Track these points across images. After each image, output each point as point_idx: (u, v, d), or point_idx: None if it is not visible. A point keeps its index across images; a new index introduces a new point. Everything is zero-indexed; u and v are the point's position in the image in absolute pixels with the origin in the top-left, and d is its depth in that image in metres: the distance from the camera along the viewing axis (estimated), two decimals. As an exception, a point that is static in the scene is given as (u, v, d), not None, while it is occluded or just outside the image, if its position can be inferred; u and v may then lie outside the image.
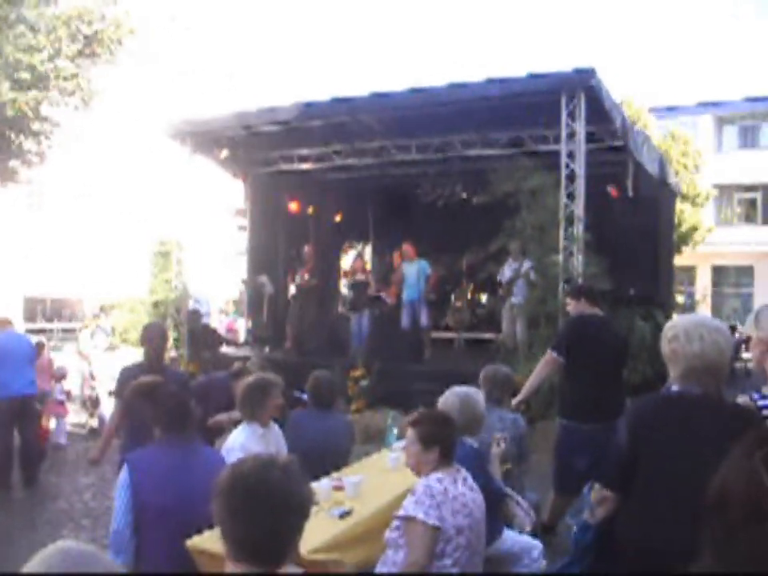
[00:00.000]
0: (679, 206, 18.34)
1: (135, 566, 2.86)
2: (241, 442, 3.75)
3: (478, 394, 3.70)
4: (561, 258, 8.23)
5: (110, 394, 8.96)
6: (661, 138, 20.61)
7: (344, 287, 13.79)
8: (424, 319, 10.34)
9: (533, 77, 8.30)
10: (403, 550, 2.81)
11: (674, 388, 2.40)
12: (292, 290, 11.97)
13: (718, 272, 26.35)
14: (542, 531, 4.51)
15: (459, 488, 2.88)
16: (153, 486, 2.91)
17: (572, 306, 5.14)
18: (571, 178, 8.30)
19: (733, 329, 13.48)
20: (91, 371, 9.90)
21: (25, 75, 11.30)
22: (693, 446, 2.20)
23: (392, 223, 13.31)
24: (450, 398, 3.57)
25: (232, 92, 24.95)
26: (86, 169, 21.50)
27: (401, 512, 2.82)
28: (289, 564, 1.63)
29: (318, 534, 3.06)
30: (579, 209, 8.24)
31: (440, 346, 11.49)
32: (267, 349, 11.42)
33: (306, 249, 11.69)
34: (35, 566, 1.20)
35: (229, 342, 12.61)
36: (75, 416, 9.38)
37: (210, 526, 2.65)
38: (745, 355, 13.87)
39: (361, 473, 4.01)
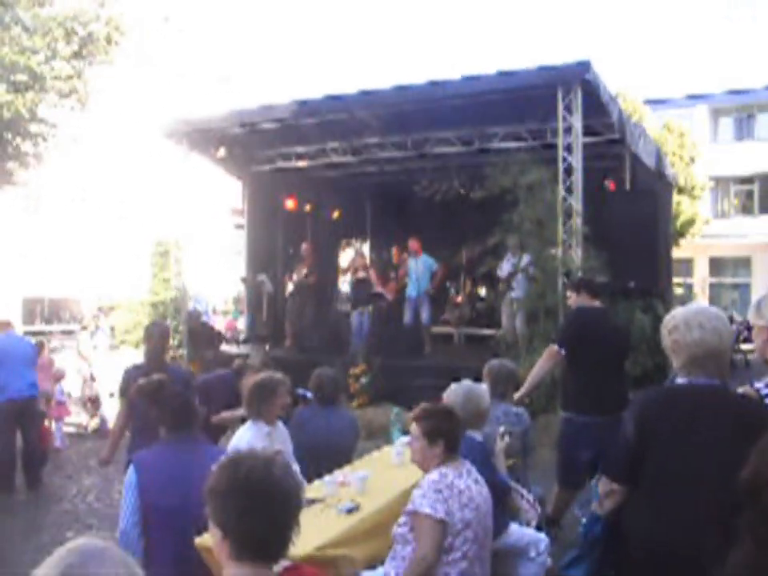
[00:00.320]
0: (676, 198, 18.37)
1: (143, 566, 2.86)
2: (247, 441, 3.75)
3: (482, 389, 3.71)
4: (559, 251, 8.23)
5: (111, 394, 9.00)
6: (656, 130, 20.63)
7: (343, 284, 13.79)
8: (425, 315, 10.38)
9: (529, 71, 8.27)
10: (411, 545, 2.82)
11: (679, 379, 2.40)
12: (290, 287, 11.96)
13: (716, 263, 26.36)
14: (547, 524, 4.53)
15: (465, 482, 2.89)
16: (159, 486, 2.91)
17: (572, 300, 5.15)
18: (569, 171, 8.30)
19: (731, 320, 13.51)
20: (91, 372, 9.91)
21: (21, 77, 11.27)
22: (700, 438, 2.21)
23: (389, 219, 13.30)
24: (455, 391, 3.58)
25: (228, 93, 24.90)
26: (84, 170, 21.44)
27: (409, 507, 2.83)
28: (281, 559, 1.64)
29: (325, 530, 3.08)
30: (577, 202, 8.25)
31: (440, 342, 11.51)
32: (267, 347, 11.42)
33: (304, 246, 11.70)
34: (53, 564, 1.19)
35: (229, 341, 12.61)
36: (75, 417, 9.39)
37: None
38: (743, 346, 13.92)
39: (366, 469, 4.02)
